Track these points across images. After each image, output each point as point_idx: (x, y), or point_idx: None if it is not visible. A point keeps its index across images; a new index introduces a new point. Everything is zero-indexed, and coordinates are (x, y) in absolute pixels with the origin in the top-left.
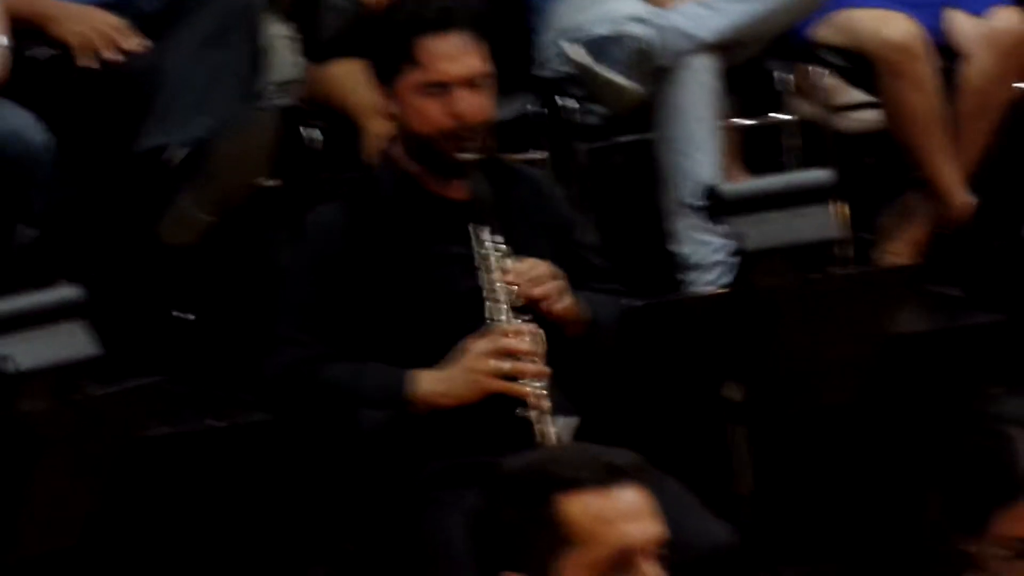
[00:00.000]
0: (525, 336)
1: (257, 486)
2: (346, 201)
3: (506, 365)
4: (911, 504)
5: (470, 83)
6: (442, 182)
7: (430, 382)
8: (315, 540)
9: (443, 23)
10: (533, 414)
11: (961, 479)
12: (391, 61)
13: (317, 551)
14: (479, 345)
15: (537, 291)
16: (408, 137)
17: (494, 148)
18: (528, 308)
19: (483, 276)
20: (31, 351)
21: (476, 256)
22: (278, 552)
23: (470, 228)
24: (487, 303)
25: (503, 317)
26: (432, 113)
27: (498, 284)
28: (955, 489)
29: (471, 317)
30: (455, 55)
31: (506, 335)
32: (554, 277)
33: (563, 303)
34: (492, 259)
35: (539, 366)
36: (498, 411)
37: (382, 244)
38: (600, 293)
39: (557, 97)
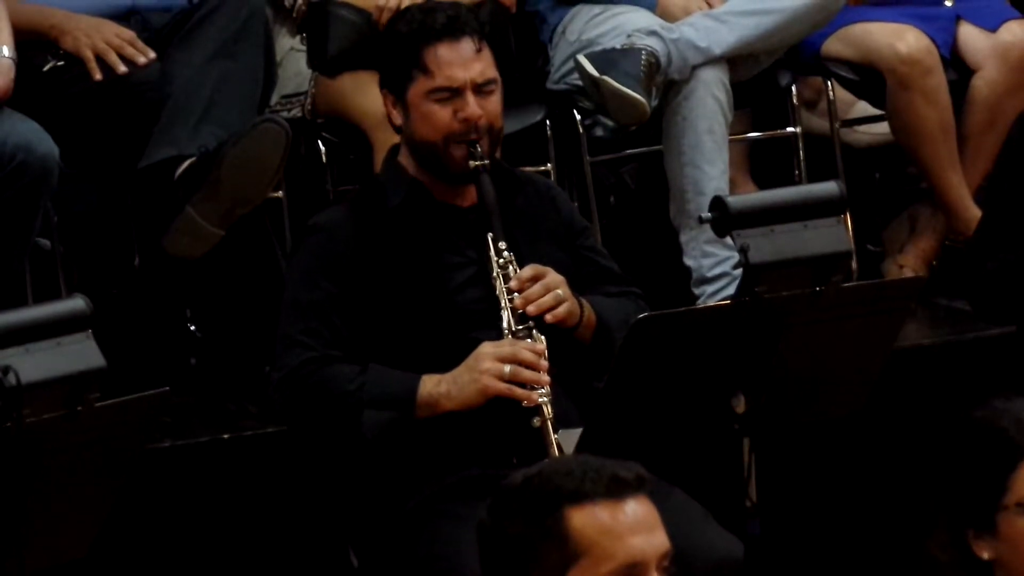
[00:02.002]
0: (531, 343)
1: (264, 499)
2: (351, 204)
3: (507, 368)
4: (918, 517)
5: (478, 88)
6: (450, 190)
7: (435, 384)
8: (322, 553)
9: (451, 30)
10: (536, 420)
11: (964, 474)
12: (400, 69)
13: (324, 564)
14: (484, 350)
15: (531, 308)
16: (416, 145)
17: (499, 158)
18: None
19: (498, 284)
20: (37, 363)
21: (492, 264)
22: (285, 564)
23: (488, 237)
24: (503, 312)
25: (505, 324)
26: (441, 118)
27: (501, 292)
28: (961, 487)
29: (478, 323)
30: (463, 61)
31: (511, 342)
32: (554, 285)
33: (558, 313)
34: (495, 267)
35: (541, 373)
36: (505, 424)
37: (389, 249)
38: (615, 297)
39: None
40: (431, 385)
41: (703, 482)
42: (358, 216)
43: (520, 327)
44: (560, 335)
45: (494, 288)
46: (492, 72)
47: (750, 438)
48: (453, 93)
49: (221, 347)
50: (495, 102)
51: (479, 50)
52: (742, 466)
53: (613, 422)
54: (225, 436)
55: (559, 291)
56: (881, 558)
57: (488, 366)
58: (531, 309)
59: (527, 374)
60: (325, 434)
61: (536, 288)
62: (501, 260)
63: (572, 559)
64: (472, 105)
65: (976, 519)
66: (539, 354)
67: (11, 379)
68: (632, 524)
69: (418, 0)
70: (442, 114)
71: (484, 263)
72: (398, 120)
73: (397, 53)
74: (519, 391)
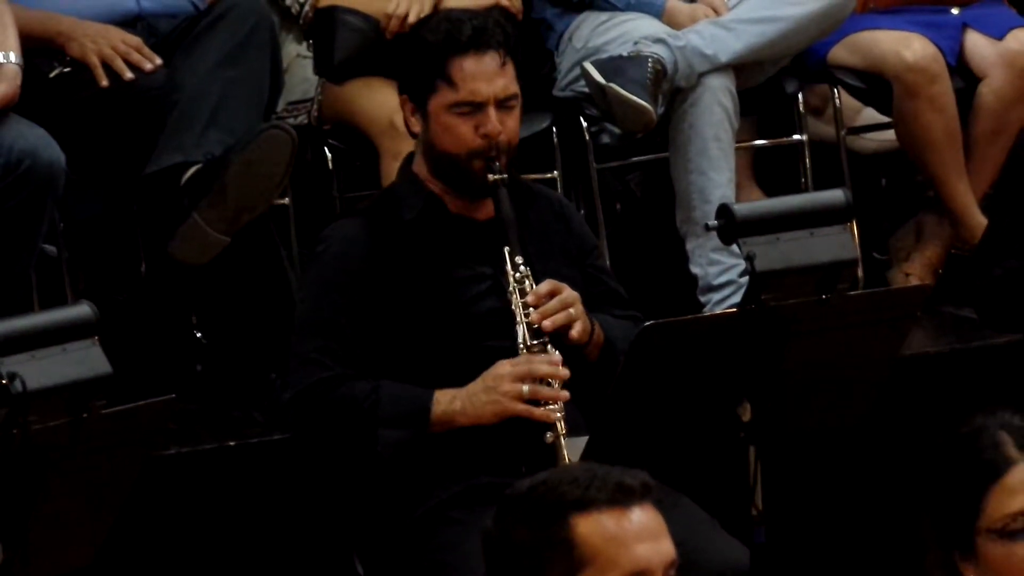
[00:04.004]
0: (547, 360)
1: (270, 506)
2: (366, 217)
3: (525, 388)
4: (919, 529)
5: (500, 104)
6: (465, 202)
7: (449, 401)
8: (328, 560)
9: (477, 44)
10: (550, 436)
11: (944, 489)
12: (423, 80)
13: (330, 571)
14: (503, 368)
15: (546, 324)
16: (435, 156)
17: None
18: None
19: (514, 299)
20: (43, 370)
21: (508, 278)
22: (291, 572)
23: (505, 251)
24: (519, 327)
25: (520, 339)
26: (463, 132)
27: (517, 306)
28: (942, 505)
29: (493, 336)
30: (488, 75)
31: (528, 359)
32: (570, 302)
33: (575, 331)
34: (512, 281)
35: (558, 390)
36: (514, 433)
37: (404, 263)
38: (620, 320)
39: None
40: (445, 402)
41: (709, 490)
42: (372, 229)
43: (535, 342)
44: (569, 351)
45: (510, 302)
46: (514, 87)
47: (756, 446)
48: (476, 108)
49: (227, 354)
50: (515, 117)
51: (503, 64)
52: (748, 474)
53: (619, 430)
54: (231, 443)
55: (574, 308)
56: (885, 567)
57: (507, 388)
58: (547, 324)
59: (546, 392)
60: (340, 451)
61: (552, 304)
62: (518, 275)
63: (578, 567)
64: (494, 121)
65: (958, 542)
66: (556, 365)
67: (17, 386)
68: (638, 532)
69: (427, 9)
70: (464, 128)
71: (498, 275)
72: (416, 128)
73: (421, 61)
74: (537, 411)
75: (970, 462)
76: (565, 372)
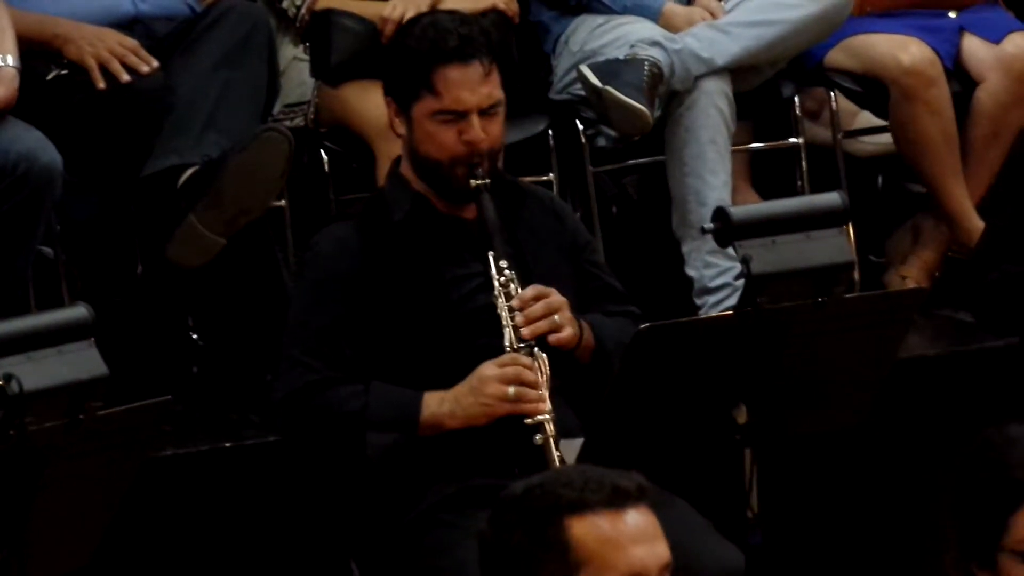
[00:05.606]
0: (534, 362)
1: (265, 508)
2: (356, 221)
3: (511, 390)
4: (920, 529)
5: (484, 111)
6: (452, 203)
7: (437, 404)
8: (324, 563)
9: (462, 54)
10: (539, 437)
11: (968, 503)
12: (408, 87)
13: (326, 574)
14: (488, 369)
15: (525, 332)
16: (418, 160)
17: (503, 170)
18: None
19: (500, 302)
20: (39, 371)
21: (495, 282)
22: (287, 574)
23: (490, 256)
24: (505, 330)
25: (507, 341)
26: (446, 139)
27: (502, 310)
28: (965, 516)
29: (482, 336)
30: (472, 85)
31: (515, 361)
32: (556, 306)
33: (560, 336)
34: (497, 285)
35: (544, 392)
36: (507, 435)
37: (394, 263)
38: (614, 316)
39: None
40: (434, 405)
41: (705, 493)
42: (362, 232)
43: (522, 344)
44: (559, 354)
45: (496, 306)
46: (498, 94)
47: (752, 449)
48: (458, 116)
49: (223, 356)
50: (499, 123)
51: (488, 73)
52: (744, 477)
53: (615, 432)
54: (227, 445)
55: (559, 315)
56: (882, 570)
57: (492, 390)
58: (526, 333)
59: (532, 395)
60: (329, 454)
61: (537, 307)
62: (503, 278)
63: (573, 569)
64: (477, 129)
65: (978, 553)
66: (541, 373)
67: (13, 387)
68: (633, 534)
69: (423, 9)
70: (446, 135)
71: (488, 273)
72: (400, 130)
73: (405, 69)
74: (527, 406)
75: (998, 479)
76: (545, 382)
